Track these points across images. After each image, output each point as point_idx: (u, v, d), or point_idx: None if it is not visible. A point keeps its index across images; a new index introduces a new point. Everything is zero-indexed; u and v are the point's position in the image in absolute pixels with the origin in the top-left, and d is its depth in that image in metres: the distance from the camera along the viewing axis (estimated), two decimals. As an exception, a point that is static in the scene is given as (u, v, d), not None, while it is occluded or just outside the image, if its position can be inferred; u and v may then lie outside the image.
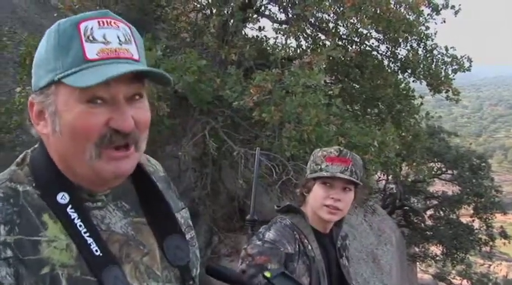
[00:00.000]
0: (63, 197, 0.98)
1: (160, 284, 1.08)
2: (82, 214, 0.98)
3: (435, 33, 8.03)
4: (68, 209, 0.97)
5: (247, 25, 7.16)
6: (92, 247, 0.96)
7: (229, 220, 8.15)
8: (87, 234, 0.97)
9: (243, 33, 7.32)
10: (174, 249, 1.12)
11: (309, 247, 2.03)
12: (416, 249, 17.88)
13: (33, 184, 0.99)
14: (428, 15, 7.78)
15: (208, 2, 6.80)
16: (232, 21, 6.51)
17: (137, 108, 0.98)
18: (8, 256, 0.89)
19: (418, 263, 18.98)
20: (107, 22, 0.96)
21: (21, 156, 1.06)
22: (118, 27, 0.97)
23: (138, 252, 1.06)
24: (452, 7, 7.91)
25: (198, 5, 7.04)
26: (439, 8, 7.79)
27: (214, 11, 6.59)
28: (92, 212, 1.02)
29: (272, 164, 5.67)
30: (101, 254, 0.97)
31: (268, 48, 7.71)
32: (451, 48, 8.04)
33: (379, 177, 16.09)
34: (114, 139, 0.95)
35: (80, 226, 0.97)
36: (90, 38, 0.93)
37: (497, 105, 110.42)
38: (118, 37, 0.96)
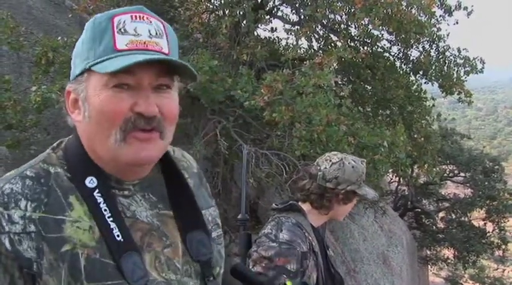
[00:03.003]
0: (91, 181, 1.02)
1: (179, 276, 1.09)
2: (108, 199, 1.02)
3: (448, 35, 8.01)
4: (95, 193, 1.01)
5: (259, 26, 7.21)
6: (114, 232, 0.99)
7: (241, 220, 8.18)
8: (111, 219, 1.00)
9: (255, 34, 7.36)
10: (196, 243, 1.13)
11: (313, 243, 2.10)
12: (428, 252, 17.76)
13: (65, 167, 1.04)
14: (440, 16, 7.78)
15: (221, 3, 6.85)
16: (244, 22, 6.56)
17: (163, 97, 1.03)
18: (31, 230, 0.94)
19: (429, 265, 18.86)
20: (139, 17, 1.02)
21: (57, 142, 1.10)
22: (150, 22, 1.03)
23: (160, 243, 1.08)
24: (465, 8, 7.90)
25: (211, 6, 7.10)
26: (452, 9, 7.78)
27: (226, 11, 6.64)
28: (119, 199, 1.05)
29: (282, 163, 5.71)
30: (122, 240, 0.99)
31: (280, 48, 7.75)
32: (463, 49, 8.02)
33: (391, 179, 16.03)
34: (137, 123, 0.99)
35: (105, 210, 1.00)
36: (122, 30, 0.99)
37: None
38: (149, 31, 1.01)
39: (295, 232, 2.05)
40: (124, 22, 1.00)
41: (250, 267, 1.96)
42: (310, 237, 2.09)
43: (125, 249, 0.99)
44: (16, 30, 5.74)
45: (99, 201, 1.00)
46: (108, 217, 1.00)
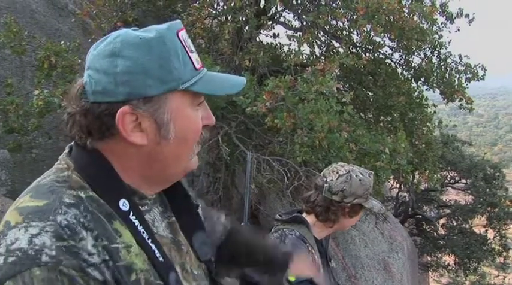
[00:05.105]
0: (124, 204, 0.97)
1: (199, 281, 1.09)
2: (142, 220, 0.99)
3: (449, 42, 8.05)
4: (131, 216, 0.97)
5: (261, 32, 7.23)
6: (156, 254, 0.96)
7: (241, 225, 8.18)
8: (150, 240, 0.97)
9: (258, 39, 7.38)
10: (201, 245, 1.13)
11: (316, 257, 2.07)
12: (429, 259, 17.72)
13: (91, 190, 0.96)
14: (442, 23, 7.80)
15: (224, 8, 6.87)
16: (246, 27, 6.58)
17: None
18: (107, 259, 0.87)
19: (430, 272, 18.81)
20: (185, 33, 1.02)
21: (64, 162, 1.00)
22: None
23: (182, 254, 1.07)
24: (467, 15, 7.92)
25: (213, 12, 7.11)
26: (453, 17, 7.80)
27: (229, 17, 6.66)
28: (145, 217, 1.02)
29: (284, 169, 5.71)
30: (163, 261, 0.97)
31: (282, 55, 7.77)
32: (464, 56, 8.04)
33: (392, 185, 16.01)
34: (203, 135, 1.06)
35: (143, 232, 0.97)
36: (190, 48, 1.01)
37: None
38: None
39: (298, 246, 2.01)
40: (186, 39, 1.01)
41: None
42: (313, 251, 2.06)
43: (168, 270, 0.98)
44: (19, 34, 5.76)
45: (136, 224, 0.97)
46: (148, 239, 0.97)
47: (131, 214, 0.97)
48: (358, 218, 2.20)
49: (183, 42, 0.99)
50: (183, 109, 0.99)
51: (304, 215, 2.18)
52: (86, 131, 0.97)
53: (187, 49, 0.99)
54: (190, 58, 0.99)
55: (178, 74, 0.96)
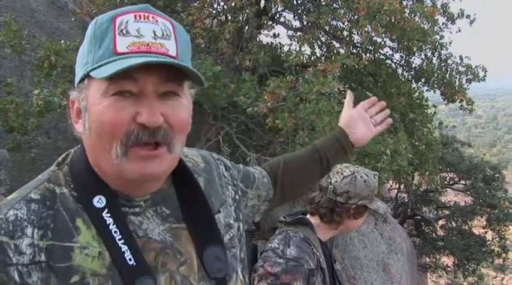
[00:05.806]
0: (99, 201, 0.93)
1: None
2: (118, 219, 0.93)
3: (450, 43, 8.05)
4: (104, 214, 0.92)
5: (262, 32, 7.21)
6: (125, 255, 0.90)
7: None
8: (122, 241, 0.91)
9: (258, 39, 7.36)
10: (213, 260, 1.04)
11: (320, 259, 2.04)
12: (428, 260, 17.71)
13: (71, 185, 0.95)
14: (443, 24, 7.79)
15: (224, 8, 6.85)
16: (247, 27, 6.55)
17: (170, 106, 0.93)
18: (41, 260, 0.86)
19: (429, 273, 18.80)
20: (144, 16, 0.92)
21: (62, 156, 1.01)
22: (156, 21, 0.93)
23: (175, 262, 0.99)
24: (468, 16, 7.91)
25: (214, 11, 7.09)
26: (454, 17, 7.79)
27: (229, 17, 6.64)
28: (129, 218, 0.96)
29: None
30: (134, 264, 0.91)
31: (283, 55, 7.75)
32: (465, 57, 8.03)
33: (391, 186, 15.99)
34: (141, 136, 0.89)
35: (115, 232, 0.91)
36: (124, 31, 0.90)
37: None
38: (154, 31, 0.92)
39: (303, 248, 1.97)
40: (127, 22, 0.90)
41: (256, 282, 1.89)
42: (318, 253, 2.02)
43: (138, 274, 0.91)
44: (19, 33, 5.73)
45: (108, 222, 0.91)
46: (119, 239, 0.91)
47: (105, 211, 0.93)
48: (362, 220, 2.17)
49: (116, 25, 0.90)
50: (95, 97, 0.90)
51: (308, 216, 2.16)
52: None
53: (116, 32, 0.90)
54: (114, 41, 0.89)
55: (90, 58, 0.91)
